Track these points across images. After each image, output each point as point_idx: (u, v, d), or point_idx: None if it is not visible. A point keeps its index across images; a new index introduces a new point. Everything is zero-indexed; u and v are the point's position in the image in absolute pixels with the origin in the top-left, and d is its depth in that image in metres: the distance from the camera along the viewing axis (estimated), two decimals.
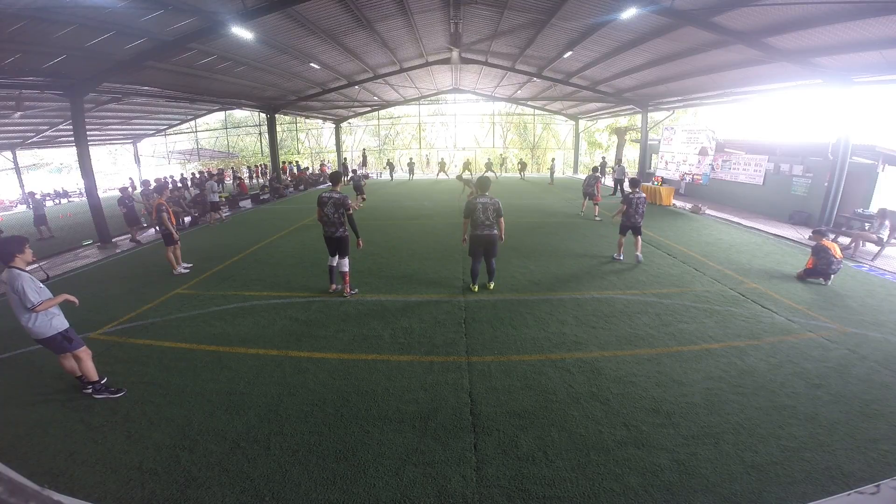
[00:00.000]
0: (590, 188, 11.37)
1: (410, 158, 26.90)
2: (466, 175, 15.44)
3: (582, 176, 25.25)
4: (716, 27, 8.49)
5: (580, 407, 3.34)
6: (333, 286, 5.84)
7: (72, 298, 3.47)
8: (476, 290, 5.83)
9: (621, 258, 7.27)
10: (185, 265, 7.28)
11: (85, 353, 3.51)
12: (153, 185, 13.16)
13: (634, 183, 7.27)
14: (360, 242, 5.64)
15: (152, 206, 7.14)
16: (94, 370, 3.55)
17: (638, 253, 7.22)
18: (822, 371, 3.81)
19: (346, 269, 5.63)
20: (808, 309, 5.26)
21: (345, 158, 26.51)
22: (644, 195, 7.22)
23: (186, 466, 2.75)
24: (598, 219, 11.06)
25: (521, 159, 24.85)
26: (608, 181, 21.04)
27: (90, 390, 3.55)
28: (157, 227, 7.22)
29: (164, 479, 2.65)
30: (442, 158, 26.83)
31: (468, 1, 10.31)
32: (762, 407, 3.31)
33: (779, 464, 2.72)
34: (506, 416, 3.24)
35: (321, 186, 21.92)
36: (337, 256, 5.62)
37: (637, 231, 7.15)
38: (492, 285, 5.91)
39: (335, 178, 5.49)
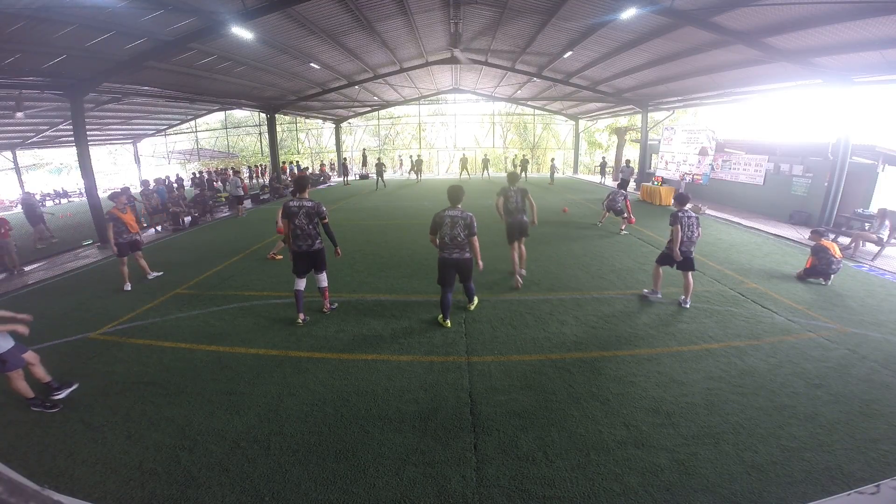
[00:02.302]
0: (615, 204, 9.53)
1: (418, 156, 23.45)
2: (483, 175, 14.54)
3: (582, 176, 25.26)
4: (716, 27, 8.50)
5: (580, 407, 3.34)
6: (302, 316, 4.90)
7: (16, 328, 3.24)
8: (448, 325, 4.74)
9: (659, 295, 5.47)
10: (155, 274, 6.87)
11: (16, 375, 3.33)
12: (153, 184, 13.21)
13: (682, 199, 5.32)
14: (339, 251, 5.01)
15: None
16: (26, 389, 3.38)
17: (686, 297, 5.33)
18: (822, 371, 3.81)
19: (326, 283, 4.99)
20: (808, 309, 5.26)
21: (345, 158, 26.01)
22: (696, 215, 5.28)
23: (186, 466, 2.75)
24: (624, 232, 9.52)
25: (522, 156, 24.06)
26: (607, 181, 21.13)
27: (60, 395, 3.50)
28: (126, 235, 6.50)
29: (164, 479, 2.65)
30: (419, 156, 23.59)
31: (468, 1, 10.32)
32: (762, 407, 3.31)
33: (779, 464, 2.72)
34: (506, 416, 3.24)
35: (321, 187, 21.90)
36: (306, 278, 4.86)
37: (688, 265, 5.21)
38: (472, 306, 5.19)
39: (301, 184, 4.75)
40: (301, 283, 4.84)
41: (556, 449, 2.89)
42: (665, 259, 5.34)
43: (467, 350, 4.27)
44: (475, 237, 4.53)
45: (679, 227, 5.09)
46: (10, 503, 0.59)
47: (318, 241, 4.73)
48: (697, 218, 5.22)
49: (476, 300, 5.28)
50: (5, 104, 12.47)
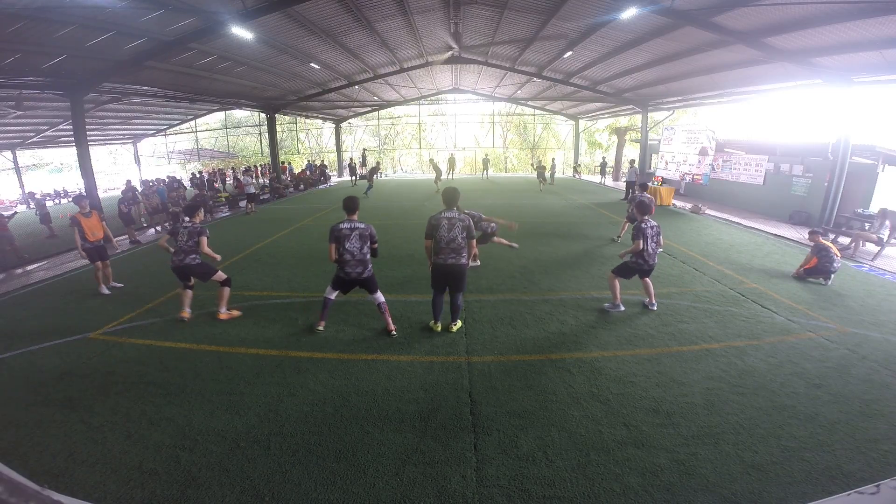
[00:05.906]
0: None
1: (430, 159, 21.22)
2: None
3: (582, 176, 25.22)
4: (716, 27, 8.50)
5: (580, 407, 3.34)
6: (323, 324, 4.70)
7: None
8: (438, 328, 4.64)
9: (621, 308, 5.14)
10: (114, 284, 6.40)
11: None
12: (153, 184, 13.21)
13: (644, 208, 5.14)
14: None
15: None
16: None
17: (651, 300, 5.21)
18: (822, 371, 3.81)
19: (383, 298, 4.63)
20: (808, 309, 5.26)
21: (350, 158, 24.69)
22: (657, 224, 5.05)
23: (186, 466, 2.75)
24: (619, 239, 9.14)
25: (539, 161, 21.38)
26: (607, 181, 21.13)
27: None
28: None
29: (164, 479, 2.65)
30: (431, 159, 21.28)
31: (468, 1, 10.32)
32: (762, 407, 3.30)
33: (779, 464, 2.72)
34: (506, 416, 3.24)
35: (321, 187, 21.89)
36: (339, 292, 4.64)
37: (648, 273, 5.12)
38: (455, 327, 4.64)
39: (351, 206, 4.41)
40: (334, 294, 4.61)
41: (556, 449, 2.89)
42: (626, 272, 5.11)
43: (467, 350, 4.26)
44: (474, 240, 4.41)
45: (642, 240, 4.89)
46: (10, 503, 0.58)
47: (369, 268, 4.45)
48: (659, 229, 5.06)
49: (459, 322, 4.71)
50: (5, 104, 12.48)
